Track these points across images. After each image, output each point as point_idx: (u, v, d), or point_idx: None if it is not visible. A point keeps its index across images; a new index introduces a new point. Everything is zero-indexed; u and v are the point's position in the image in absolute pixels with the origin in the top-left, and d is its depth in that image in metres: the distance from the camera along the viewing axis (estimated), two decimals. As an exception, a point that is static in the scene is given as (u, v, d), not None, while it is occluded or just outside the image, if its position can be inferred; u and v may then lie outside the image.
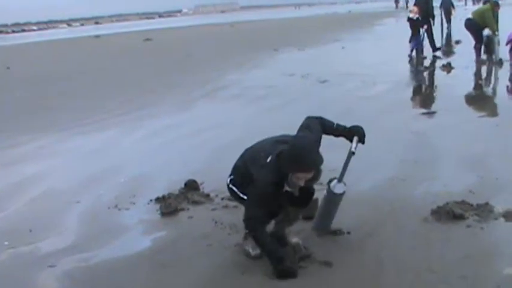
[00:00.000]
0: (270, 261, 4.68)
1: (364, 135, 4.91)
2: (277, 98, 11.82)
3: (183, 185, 6.68)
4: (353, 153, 4.80)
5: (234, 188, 5.01)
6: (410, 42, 16.71)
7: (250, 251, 4.98)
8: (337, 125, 5.00)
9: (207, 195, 6.49)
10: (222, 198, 6.26)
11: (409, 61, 16.23)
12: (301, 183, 4.57)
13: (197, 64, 18.15)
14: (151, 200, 6.47)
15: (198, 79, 14.98)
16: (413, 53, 16.55)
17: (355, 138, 4.86)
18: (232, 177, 5.06)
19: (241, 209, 4.92)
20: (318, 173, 4.66)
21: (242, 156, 5.07)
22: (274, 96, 12.11)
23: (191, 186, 6.67)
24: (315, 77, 13.92)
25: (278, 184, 4.60)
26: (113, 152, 8.82)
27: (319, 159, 4.52)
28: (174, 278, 4.81)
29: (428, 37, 16.75)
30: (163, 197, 6.46)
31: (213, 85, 13.83)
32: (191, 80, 14.93)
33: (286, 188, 4.67)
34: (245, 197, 4.86)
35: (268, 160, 4.63)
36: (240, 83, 13.96)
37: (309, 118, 4.98)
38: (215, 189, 6.51)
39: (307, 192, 4.85)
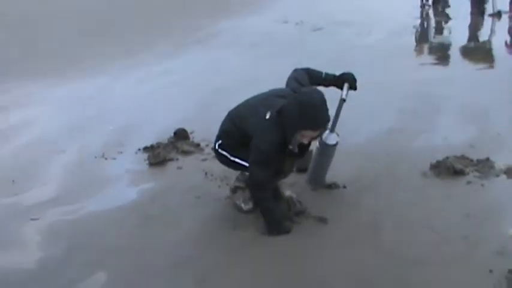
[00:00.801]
0: (268, 223, 4.50)
1: (355, 81, 4.65)
2: (271, 46, 11.46)
3: (172, 134, 6.45)
4: (344, 100, 4.52)
5: (224, 153, 4.73)
6: None
7: (242, 205, 4.79)
8: (326, 74, 4.75)
9: (197, 145, 6.27)
10: (213, 149, 6.01)
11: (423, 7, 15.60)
12: (306, 141, 4.35)
13: (189, 9, 17.70)
14: (139, 150, 6.26)
15: (189, 25, 14.57)
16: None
17: (346, 85, 4.60)
18: (220, 141, 4.78)
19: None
20: (324, 130, 4.43)
21: (229, 117, 4.77)
22: (267, 43, 11.75)
23: (181, 135, 6.44)
24: (309, 24, 13.52)
25: (280, 143, 4.33)
26: (101, 99, 8.51)
27: (329, 117, 4.26)
28: (162, 231, 4.64)
29: None
30: (152, 146, 6.26)
31: (205, 31, 13.44)
32: (182, 26, 14.51)
33: (289, 147, 4.43)
34: (237, 160, 4.63)
35: (268, 116, 4.33)
36: (233, 29, 13.56)
37: (295, 70, 4.74)
38: (205, 139, 6.29)
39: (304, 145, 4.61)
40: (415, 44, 11.60)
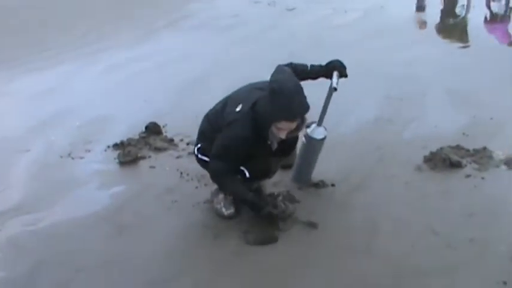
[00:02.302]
0: (250, 209, 4.20)
1: (344, 68, 4.27)
2: (244, 28, 11.01)
3: (143, 129, 6.00)
4: (335, 89, 4.14)
5: (205, 158, 4.36)
6: None
7: (223, 210, 4.39)
8: (312, 65, 4.35)
9: (171, 140, 5.82)
10: (188, 144, 5.63)
11: None
12: (283, 136, 3.93)
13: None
14: (108, 147, 5.77)
15: (158, 8, 14.10)
16: None
17: (335, 73, 4.21)
18: (199, 145, 4.42)
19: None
20: (302, 122, 4.01)
21: (206, 117, 4.41)
22: (240, 26, 11.30)
23: (153, 129, 5.98)
24: (283, 4, 13.12)
25: (249, 138, 3.95)
26: (66, 91, 7.89)
27: (307, 105, 3.83)
28: (135, 244, 4.20)
29: None
30: (122, 143, 5.78)
31: (175, 14, 12.93)
32: (151, 9, 14.03)
33: (268, 142, 4.08)
34: None
35: (238, 109, 3.96)
36: (204, 11, 13.08)
37: (279, 66, 4.25)
38: (179, 133, 5.87)
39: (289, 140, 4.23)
40: (391, 22, 11.17)
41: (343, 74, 4.26)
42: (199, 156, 4.40)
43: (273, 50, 8.40)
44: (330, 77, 4.24)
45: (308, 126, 4.41)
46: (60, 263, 4.04)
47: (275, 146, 4.17)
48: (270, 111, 3.79)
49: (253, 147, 4.03)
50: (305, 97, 3.83)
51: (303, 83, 4.10)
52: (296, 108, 3.80)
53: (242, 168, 4.18)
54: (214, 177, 4.18)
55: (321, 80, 4.32)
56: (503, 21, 10.78)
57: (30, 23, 13.10)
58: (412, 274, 3.66)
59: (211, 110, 4.37)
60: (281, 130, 3.89)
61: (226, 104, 4.18)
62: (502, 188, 4.52)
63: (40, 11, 14.37)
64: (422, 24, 10.86)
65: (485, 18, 11.00)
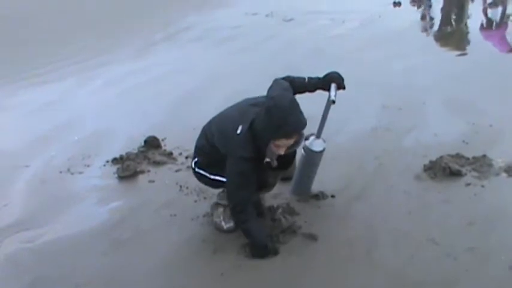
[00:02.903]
0: (252, 247, 4.10)
1: (342, 80, 4.20)
2: (242, 40, 11.02)
3: (142, 143, 5.98)
4: (333, 101, 4.06)
5: (202, 171, 4.33)
6: None
7: (223, 224, 4.36)
8: (309, 78, 4.28)
9: (170, 154, 5.81)
10: (186, 157, 5.62)
11: None
12: (281, 152, 3.88)
13: (156, 4, 17.23)
14: (107, 161, 5.76)
15: (157, 21, 14.11)
16: None
17: (333, 85, 4.14)
18: (196, 159, 4.38)
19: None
20: (300, 138, 3.94)
21: (203, 133, 4.35)
22: (239, 37, 11.32)
23: (152, 143, 5.97)
24: (280, 15, 13.15)
25: (255, 159, 3.90)
26: (65, 106, 7.89)
27: (304, 121, 3.76)
28: (134, 259, 4.18)
29: None
30: (121, 157, 5.77)
31: (173, 28, 12.95)
32: (150, 22, 14.04)
33: (266, 159, 4.04)
34: (218, 178, 4.20)
35: (239, 131, 3.89)
36: (202, 23, 13.12)
37: (276, 80, 4.22)
38: (179, 146, 5.87)
39: (287, 155, 4.18)
40: (389, 32, 11.16)
41: (341, 86, 4.20)
42: (197, 170, 4.37)
43: (271, 61, 8.41)
44: (327, 89, 4.18)
45: (307, 139, 4.38)
46: (59, 279, 4.02)
47: (275, 163, 4.15)
48: (267, 129, 3.74)
49: (259, 165, 4.01)
50: (301, 113, 3.78)
51: (301, 94, 4.11)
52: (292, 125, 3.74)
53: None
54: (238, 208, 4.01)
55: (320, 91, 4.28)
56: (499, 28, 10.78)
57: (29, 37, 13.13)
58: (412, 285, 3.62)
59: (207, 126, 4.31)
60: (279, 147, 3.85)
61: (222, 123, 4.13)
62: (502, 196, 4.47)
63: (38, 25, 14.42)
64: (425, 32, 10.88)
65: (482, 25, 10.99)
